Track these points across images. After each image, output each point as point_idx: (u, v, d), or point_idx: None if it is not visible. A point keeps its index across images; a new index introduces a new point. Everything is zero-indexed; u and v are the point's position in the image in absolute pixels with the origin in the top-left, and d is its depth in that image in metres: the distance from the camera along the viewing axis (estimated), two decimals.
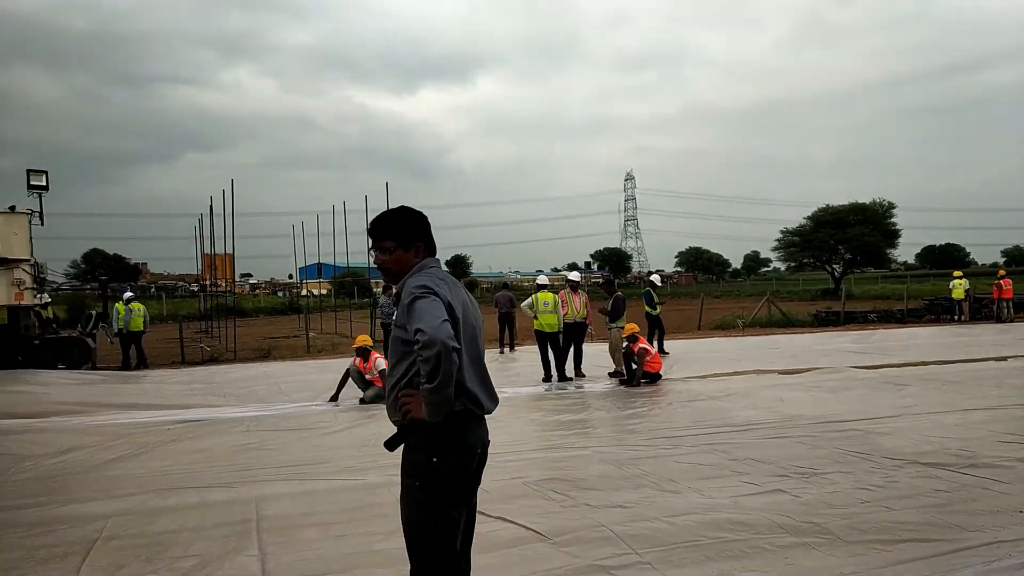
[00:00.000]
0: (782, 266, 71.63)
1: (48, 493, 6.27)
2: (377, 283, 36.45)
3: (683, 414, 9.06)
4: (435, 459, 2.78)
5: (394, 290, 3.03)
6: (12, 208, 16.64)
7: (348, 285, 54.92)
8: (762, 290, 43.41)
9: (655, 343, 15.72)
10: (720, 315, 27.14)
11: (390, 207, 3.13)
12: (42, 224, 17.25)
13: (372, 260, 3.08)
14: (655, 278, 18.59)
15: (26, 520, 5.48)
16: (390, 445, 2.87)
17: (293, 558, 4.55)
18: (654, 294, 16.76)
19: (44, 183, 17.24)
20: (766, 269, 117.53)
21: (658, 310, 16.65)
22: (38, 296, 17.17)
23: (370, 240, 3.04)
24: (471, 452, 2.90)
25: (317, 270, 34.29)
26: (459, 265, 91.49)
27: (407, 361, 2.81)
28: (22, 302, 16.56)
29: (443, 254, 3.30)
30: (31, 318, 17.18)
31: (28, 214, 16.85)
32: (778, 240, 59.54)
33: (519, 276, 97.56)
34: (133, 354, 17.23)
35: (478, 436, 2.94)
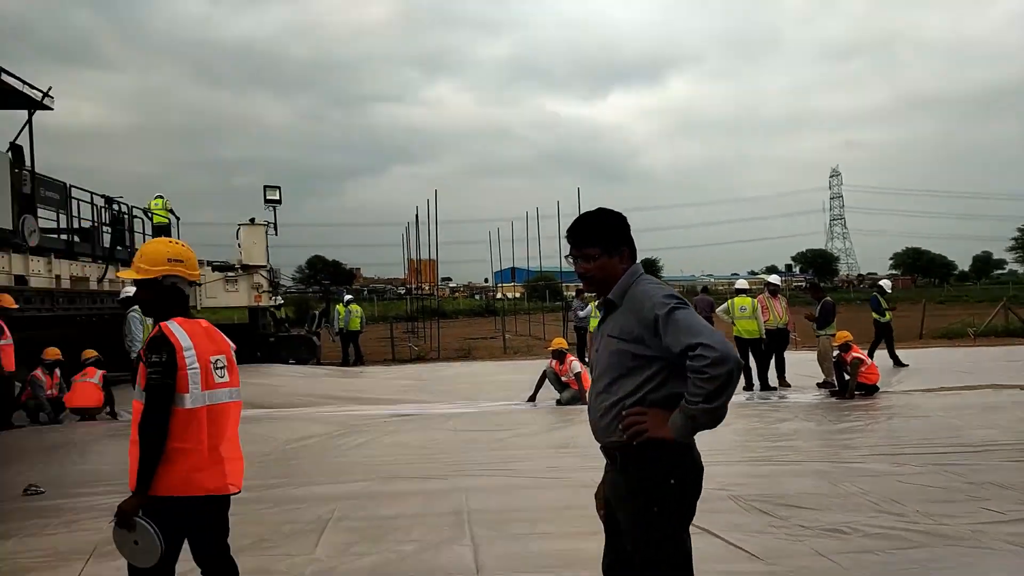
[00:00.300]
0: (1020, 268, 63.49)
1: (289, 475, 7.02)
2: (568, 287, 36.85)
3: (906, 430, 8.34)
4: (673, 480, 2.57)
5: (584, 296, 2.89)
6: (252, 220, 18.81)
7: (540, 289, 56.15)
8: (996, 295, 38.74)
9: (876, 353, 14.57)
10: (946, 322, 24.59)
11: (583, 211, 2.88)
12: (276, 234, 19.33)
13: (574, 267, 2.80)
14: (885, 283, 17.30)
15: (271, 498, 6.16)
16: (636, 468, 2.62)
17: (503, 551, 4.74)
18: (882, 300, 15.52)
19: (278, 197, 19.31)
20: (1000, 272, 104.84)
21: (888, 316, 15.41)
22: (273, 298, 19.26)
23: (570, 247, 2.80)
24: (701, 470, 2.70)
25: (511, 274, 35.36)
26: (650, 269, 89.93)
27: (638, 377, 2.58)
28: (260, 303, 18.65)
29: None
30: (267, 318, 19.32)
31: (265, 225, 18.94)
32: (1015, 239, 52.94)
33: (712, 280, 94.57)
34: (351, 351, 18.80)
35: (697, 452, 2.80)
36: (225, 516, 3.27)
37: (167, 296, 3.27)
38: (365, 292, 59.61)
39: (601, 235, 2.72)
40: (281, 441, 8.62)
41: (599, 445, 2.75)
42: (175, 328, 3.15)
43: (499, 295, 55.29)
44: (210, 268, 18.37)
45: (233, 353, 3.42)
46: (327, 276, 61.42)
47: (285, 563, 4.67)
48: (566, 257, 2.79)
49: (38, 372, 10.52)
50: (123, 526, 2.93)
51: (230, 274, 18.32)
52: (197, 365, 3.13)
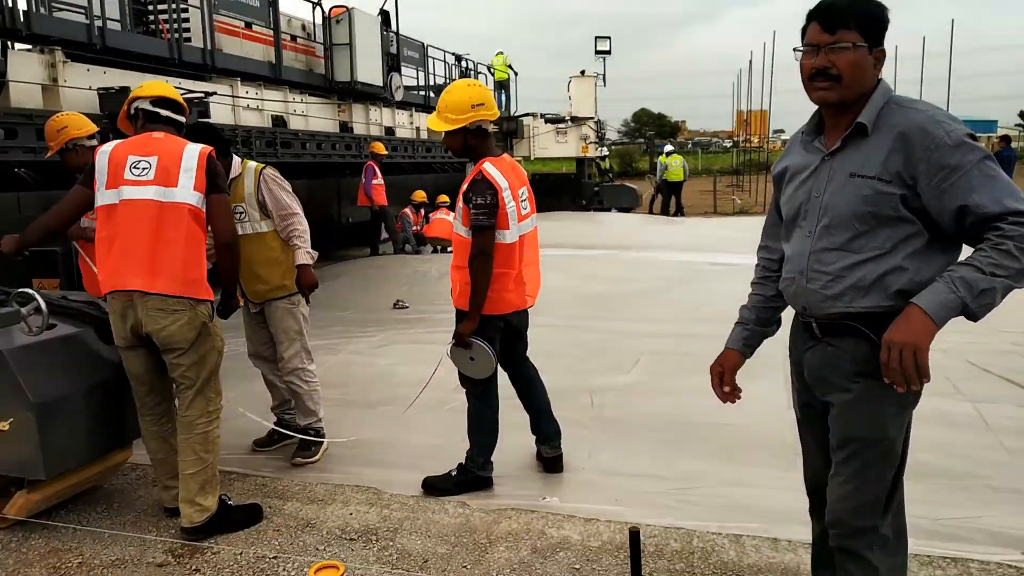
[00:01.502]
0: None
1: (610, 310, 7.60)
2: None
3: None
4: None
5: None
6: (582, 72, 19.25)
7: None
8: None
9: None
10: None
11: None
12: (604, 85, 19.61)
13: (807, 60, 2.00)
14: None
15: (593, 327, 6.79)
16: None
17: None
18: None
19: (608, 48, 19.42)
20: None
21: None
22: (599, 149, 19.88)
23: (812, 31, 1.99)
24: None
25: None
26: None
27: (894, 236, 1.94)
28: (586, 155, 19.39)
29: None
30: (592, 168, 20.08)
31: (595, 77, 19.28)
32: None
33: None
34: (672, 202, 18.91)
35: None
36: (525, 325, 3.78)
37: (477, 139, 3.51)
38: (689, 145, 58.36)
39: (865, 19, 1.94)
40: (604, 280, 9.23)
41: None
42: (492, 171, 3.42)
43: None
44: (543, 120, 19.41)
45: (529, 183, 3.74)
46: (651, 129, 61.17)
47: (599, 380, 5.22)
48: (796, 50, 2.03)
49: (407, 210, 12.52)
50: (461, 346, 3.52)
51: (560, 126, 19.18)
52: (513, 202, 3.49)
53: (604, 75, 19.56)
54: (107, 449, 3.44)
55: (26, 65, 6.88)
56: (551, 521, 3.32)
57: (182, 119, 3.34)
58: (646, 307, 7.69)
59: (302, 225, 3.96)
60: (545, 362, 5.67)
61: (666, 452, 4.04)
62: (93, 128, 4.25)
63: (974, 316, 1.83)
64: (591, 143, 19.33)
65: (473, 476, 3.65)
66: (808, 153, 2.10)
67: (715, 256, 11.13)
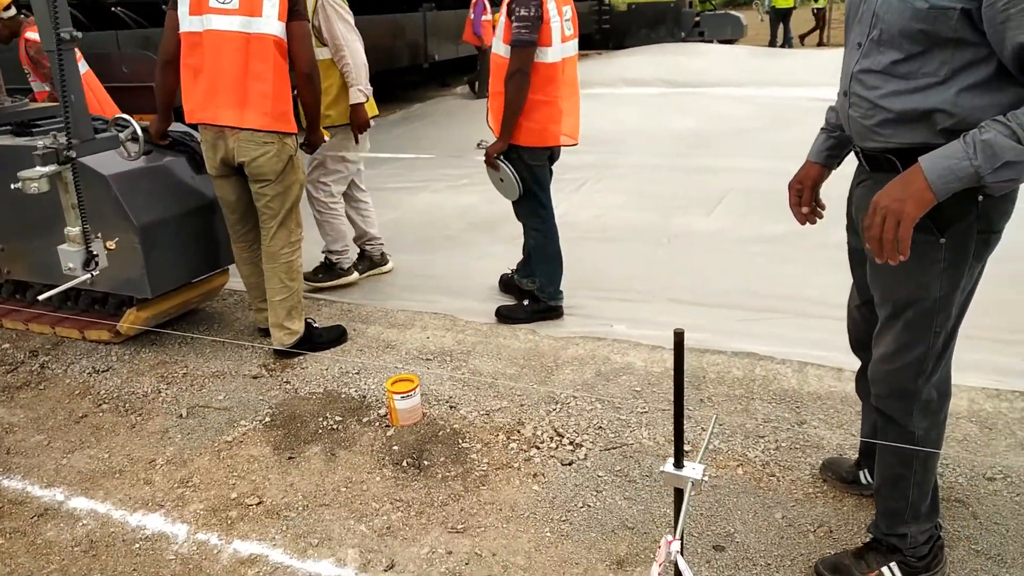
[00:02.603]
0: None
1: (700, 147, 7.34)
2: None
3: None
4: (980, 197, 1.66)
5: None
6: None
7: None
8: None
9: None
10: None
11: None
12: None
13: None
14: None
15: (683, 166, 6.60)
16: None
17: None
18: None
19: None
20: None
21: None
22: None
23: None
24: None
25: None
26: None
27: (951, 60, 1.59)
28: None
29: None
30: None
31: None
32: None
33: None
34: (780, 31, 17.51)
35: None
36: (557, 154, 3.68)
37: None
38: None
39: None
40: (696, 117, 8.84)
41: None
42: None
43: None
44: None
45: (575, 5, 3.51)
46: None
47: (679, 219, 5.15)
48: None
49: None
50: (490, 165, 3.51)
51: None
52: (558, 17, 3.31)
53: None
54: (204, 272, 3.70)
55: None
56: (616, 348, 3.42)
57: None
58: (738, 145, 7.36)
59: (354, 60, 3.84)
60: (626, 199, 5.65)
61: (740, 285, 4.01)
62: None
63: (990, 192, 1.59)
64: None
65: (545, 306, 3.75)
66: None
67: (821, 91, 10.40)
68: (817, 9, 18.45)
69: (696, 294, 3.96)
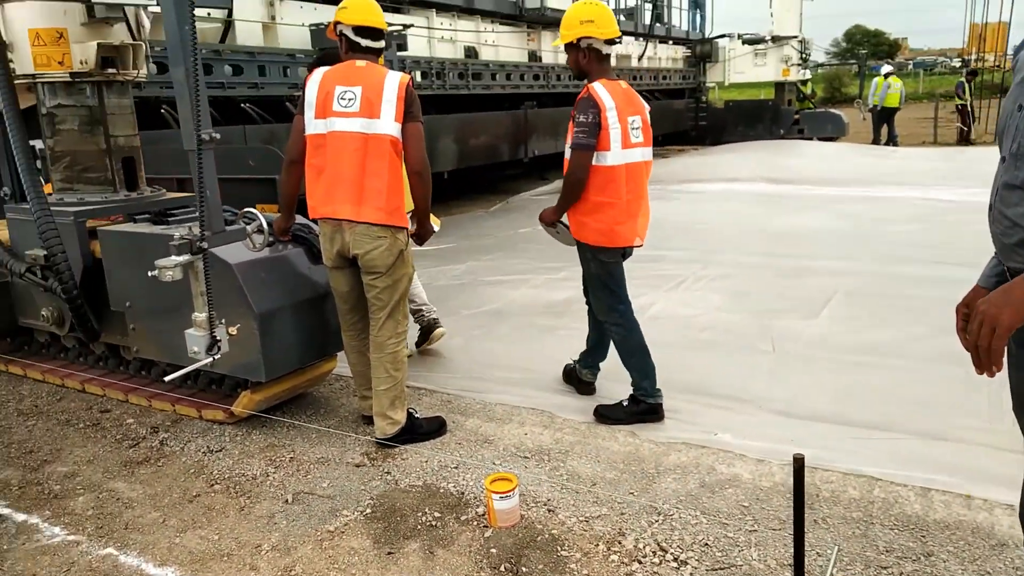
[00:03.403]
0: None
1: (797, 247, 7.20)
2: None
3: None
4: None
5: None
6: None
7: None
8: None
9: None
10: None
11: None
12: (811, 0, 17.96)
13: None
14: None
15: (779, 267, 6.49)
16: None
17: None
18: None
19: None
20: None
21: None
22: (801, 72, 18.42)
23: None
24: None
25: None
26: None
27: None
28: (787, 78, 18.06)
29: None
30: (793, 94, 18.69)
31: None
32: None
33: None
34: (883, 131, 17.24)
35: None
36: (628, 255, 3.76)
37: (589, 59, 3.55)
38: (910, 66, 52.48)
39: None
40: (797, 215, 8.73)
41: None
42: (600, 89, 3.47)
43: None
44: (740, 41, 18.27)
45: (648, 115, 3.69)
46: (864, 49, 55.56)
47: (782, 320, 5.02)
48: None
49: None
50: (548, 224, 3.75)
51: (759, 47, 17.97)
52: (619, 126, 3.48)
53: None
54: (315, 358, 3.85)
55: (249, 5, 7.51)
56: (721, 457, 3.31)
57: (382, 44, 3.49)
58: (841, 245, 7.21)
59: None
60: (726, 299, 5.57)
61: (850, 397, 3.85)
62: None
63: None
64: (793, 65, 17.96)
65: (645, 405, 3.70)
66: None
67: (929, 191, 10.12)
68: (960, 106, 18.12)
69: (803, 405, 3.81)
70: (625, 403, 3.75)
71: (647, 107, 3.73)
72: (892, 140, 17.10)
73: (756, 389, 4.00)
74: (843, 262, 6.50)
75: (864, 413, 3.67)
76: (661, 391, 3.73)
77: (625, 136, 3.51)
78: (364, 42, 3.41)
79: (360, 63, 3.37)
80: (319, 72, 3.39)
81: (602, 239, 3.58)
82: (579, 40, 3.51)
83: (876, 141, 17.20)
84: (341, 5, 3.43)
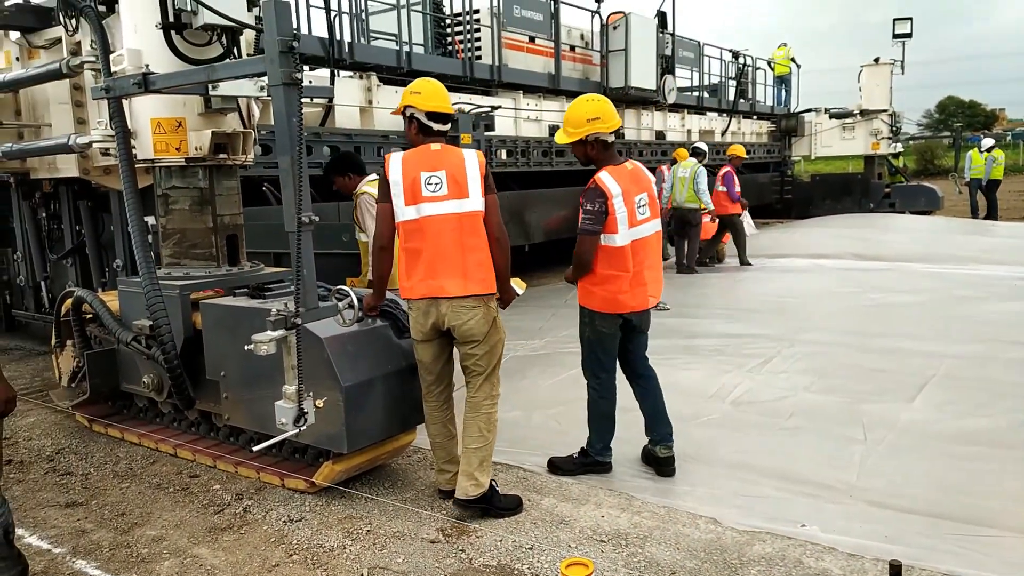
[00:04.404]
0: None
1: (891, 326, 6.93)
2: None
3: None
4: None
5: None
6: (876, 60, 17.58)
7: None
8: None
9: None
10: None
11: None
12: (902, 73, 17.68)
13: None
14: None
15: (873, 347, 6.24)
16: None
17: None
18: None
19: (908, 30, 17.51)
20: None
21: None
22: (892, 145, 18.02)
23: None
24: None
25: None
26: None
27: None
28: (877, 151, 17.68)
29: None
30: (883, 167, 18.25)
31: (891, 64, 17.51)
32: None
33: None
34: (983, 203, 16.56)
35: None
36: (646, 324, 4.00)
37: (596, 150, 3.82)
38: (1008, 137, 50.51)
39: None
40: (888, 293, 8.43)
41: None
42: (606, 178, 3.72)
43: None
44: (827, 115, 18.07)
45: (654, 188, 3.95)
46: (959, 120, 53.90)
47: (874, 406, 4.80)
48: None
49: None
50: (571, 282, 4.00)
51: (847, 120, 17.72)
52: (624, 209, 3.71)
53: (903, 61, 17.65)
54: (396, 431, 3.92)
55: (349, 90, 7.98)
56: (809, 550, 3.16)
57: (449, 127, 3.71)
58: (934, 326, 6.89)
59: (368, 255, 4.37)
60: (813, 379, 5.38)
61: (952, 488, 3.63)
62: None
63: None
64: (883, 138, 17.59)
65: (592, 460, 4.02)
66: None
67: None
68: None
69: (897, 496, 3.61)
70: (575, 456, 4.06)
71: (653, 179, 4.00)
72: (992, 213, 16.41)
73: (847, 478, 3.82)
74: (939, 343, 6.21)
75: (964, 509, 3.45)
76: (611, 451, 4.04)
77: (631, 216, 3.77)
78: (436, 126, 3.61)
79: (435, 147, 3.56)
80: (397, 159, 3.55)
81: (605, 306, 3.84)
82: (587, 136, 3.79)
83: (974, 214, 16.55)
84: (413, 90, 3.59)
